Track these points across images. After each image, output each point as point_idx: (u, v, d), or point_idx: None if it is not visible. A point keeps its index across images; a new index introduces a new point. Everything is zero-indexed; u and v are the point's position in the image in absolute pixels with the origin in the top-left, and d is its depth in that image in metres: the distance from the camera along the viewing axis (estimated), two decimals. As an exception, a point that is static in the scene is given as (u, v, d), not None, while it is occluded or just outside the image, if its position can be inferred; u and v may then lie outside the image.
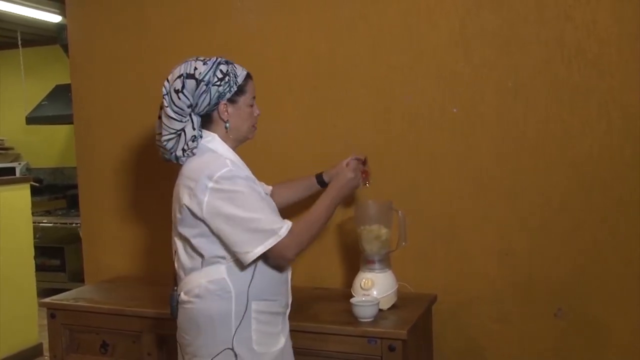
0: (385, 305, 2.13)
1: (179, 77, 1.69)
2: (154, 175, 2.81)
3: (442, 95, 2.34)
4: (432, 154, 2.36)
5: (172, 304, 1.76)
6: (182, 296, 1.73)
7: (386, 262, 2.21)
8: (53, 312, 2.45)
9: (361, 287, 2.16)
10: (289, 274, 1.81)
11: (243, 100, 1.76)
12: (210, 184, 1.63)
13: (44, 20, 5.28)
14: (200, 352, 1.69)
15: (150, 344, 2.29)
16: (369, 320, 2.02)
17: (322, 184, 2.18)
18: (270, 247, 1.62)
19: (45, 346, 3.89)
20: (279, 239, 1.63)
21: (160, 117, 1.75)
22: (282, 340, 1.76)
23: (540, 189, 2.24)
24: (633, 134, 2.13)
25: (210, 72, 1.70)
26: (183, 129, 1.70)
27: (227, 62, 1.75)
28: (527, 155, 2.25)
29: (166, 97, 1.69)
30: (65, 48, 3.44)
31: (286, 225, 1.65)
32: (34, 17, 5.13)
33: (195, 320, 1.69)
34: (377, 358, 1.96)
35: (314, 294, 2.39)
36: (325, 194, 1.86)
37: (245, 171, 1.72)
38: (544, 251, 2.25)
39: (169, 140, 1.72)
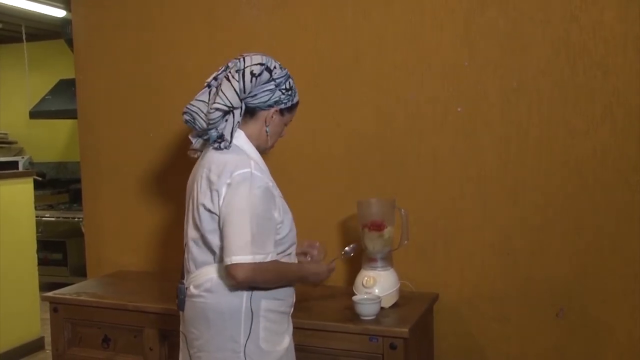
0: (387, 304, 2.14)
1: (260, 64, 1.71)
2: (157, 170, 2.82)
3: (446, 94, 2.33)
4: (435, 152, 2.36)
5: (180, 296, 1.76)
6: (192, 289, 1.72)
7: (388, 260, 2.21)
8: (55, 306, 2.46)
9: (363, 285, 2.16)
10: None
11: (287, 117, 1.83)
12: (229, 181, 1.64)
13: (48, 15, 5.29)
14: (207, 347, 1.69)
15: (152, 338, 2.29)
16: (370, 318, 2.03)
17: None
18: (230, 263, 1.60)
19: (47, 340, 3.91)
20: (238, 261, 1.59)
21: (209, 86, 1.75)
22: (287, 340, 1.77)
23: (543, 189, 2.24)
24: (637, 135, 2.12)
25: (283, 78, 1.75)
26: (234, 110, 1.71)
27: (293, 80, 1.81)
28: (530, 155, 2.25)
29: (239, 72, 1.69)
30: (70, 42, 3.45)
31: (260, 255, 1.62)
32: (39, 11, 5.13)
33: (205, 314, 1.69)
34: (378, 356, 1.96)
35: (316, 291, 2.39)
36: (301, 267, 1.85)
37: (266, 177, 1.70)
38: (545, 251, 2.25)
39: (218, 110, 1.69)
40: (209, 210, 1.67)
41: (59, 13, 5.23)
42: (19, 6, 4.95)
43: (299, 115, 2.51)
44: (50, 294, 2.51)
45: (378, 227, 2.16)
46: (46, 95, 5.77)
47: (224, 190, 1.64)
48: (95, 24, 2.91)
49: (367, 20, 2.42)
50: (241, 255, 1.60)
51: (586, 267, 2.21)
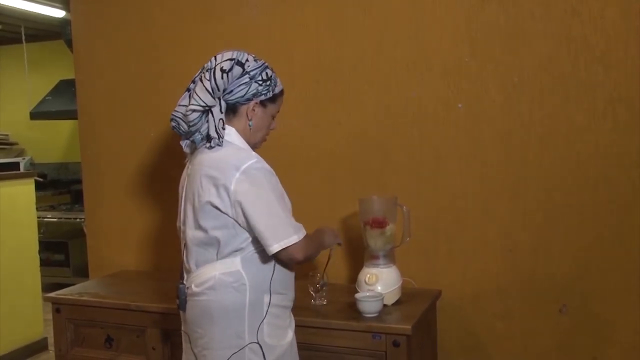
0: (389, 301, 2.13)
1: (230, 59, 1.72)
2: (158, 170, 2.82)
3: (447, 90, 2.33)
4: (437, 149, 2.36)
5: (181, 297, 1.76)
6: (194, 288, 1.72)
7: (390, 257, 2.21)
8: (58, 307, 2.46)
9: (365, 283, 2.16)
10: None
11: (271, 108, 1.82)
12: (238, 174, 1.64)
13: (47, 15, 5.28)
14: (212, 344, 1.70)
15: (155, 338, 2.29)
16: (373, 315, 2.02)
17: None
18: (284, 247, 1.65)
19: (50, 340, 3.91)
20: (293, 242, 1.66)
21: (188, 90, 1.77)
22: (290, 334, 1.78)
23: (545, 185, 2.24)
24: (638, 131, 2.12)
25: (258, 70, 1.75)
26: (211, 109, 1.71)
27: (272, 70, 1.80)
28: (531, 151, 2.24)
29: (210, 71, 1.71)
30: (69, 43, 3.45)
31: (302, 231, 1.70)
32: (38, 12, 5.13)
33: (209, 312, 1.69)
34: (381, 353, 1.96)
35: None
36: (318, 232, 1.92)
37: (267, 165, 1.73)
38: (548, 248, 2.25)
39: (194, 111, 1.71)
40: (217, 207, 1.67)
41: (58, 13, 5.22)
42: (18, 7, 4.95)
43: (300, 114, 2.52)
44: (52, 294, 2.51)
45: (380, 224, 2.15)
46: (46, 96, 5.77)
47: (233, 186, 1.64)
48: (95, 24, 2.91)
49: (367, 17, 2.42)
50: (287, 238, 1.66)
51: (588, 263, 2.21)
